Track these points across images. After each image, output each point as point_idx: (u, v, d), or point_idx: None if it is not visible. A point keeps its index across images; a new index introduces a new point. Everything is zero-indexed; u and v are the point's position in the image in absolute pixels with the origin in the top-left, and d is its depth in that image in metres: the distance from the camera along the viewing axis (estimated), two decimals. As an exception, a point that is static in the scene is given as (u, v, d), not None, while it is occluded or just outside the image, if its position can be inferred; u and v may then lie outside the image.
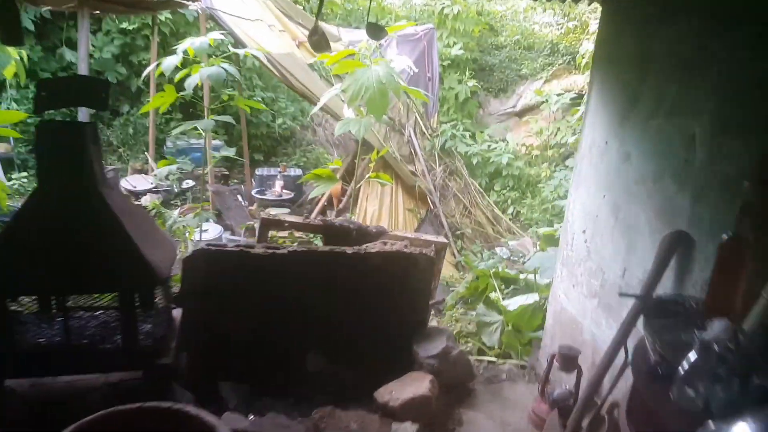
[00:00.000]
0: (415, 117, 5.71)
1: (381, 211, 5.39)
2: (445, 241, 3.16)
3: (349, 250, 2.80)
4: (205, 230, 4.96)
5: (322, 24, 6.22)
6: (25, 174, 7.02)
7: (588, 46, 7.02)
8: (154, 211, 3.75)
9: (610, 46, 2.37)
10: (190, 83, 3.11)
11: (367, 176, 3.86)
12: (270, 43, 4.68)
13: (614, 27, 2.36)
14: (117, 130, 8.47)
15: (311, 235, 4.87)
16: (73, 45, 8.43)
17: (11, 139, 7.14)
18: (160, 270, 2.24)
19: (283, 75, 4.75)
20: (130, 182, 7.03)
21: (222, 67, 3.06)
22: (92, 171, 2.18)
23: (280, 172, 7.27)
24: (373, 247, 2.86)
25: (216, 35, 3.18)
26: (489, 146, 8.00)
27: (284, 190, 6.96)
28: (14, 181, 6.77)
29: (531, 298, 3.25)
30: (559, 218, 7.24)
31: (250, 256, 2.72)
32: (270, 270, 2.73)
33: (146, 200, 6.77)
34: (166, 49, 8.26)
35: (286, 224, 2.98)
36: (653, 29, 2.05)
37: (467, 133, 8.12)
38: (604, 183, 2.35)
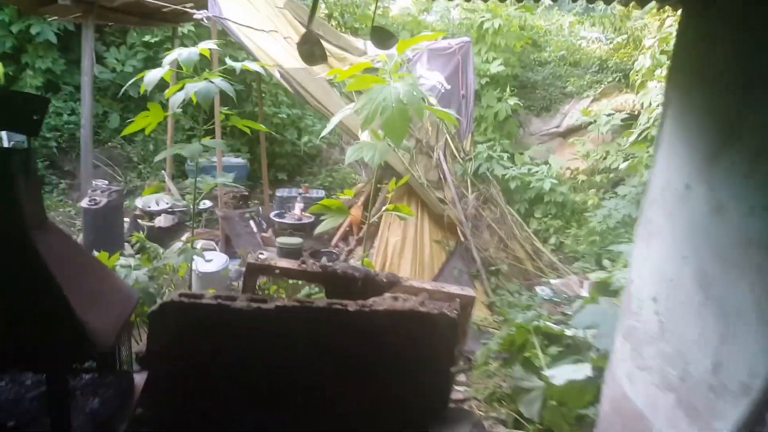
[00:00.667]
0: (446, 138, 5.20)
1: (404, 242, 4.88)
2: (473, 294, 2.62)
3: (351, 306, 2.29)
4: (209, 260, 4.54)
5: (343, 35, 5.81)
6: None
7: (644, 62, 6.37)
8: (137, 244, 3.33)
9: (696, 57, 1.81)
10: (174, 101, 2.69)
11: (384, 208, 3.36)
12: (284, 57, 4.27)
13: (703, 32, 1.79)
14: (138, 146, 8.26)
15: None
16: (98, 58, 8.32)
17: (27, 154, 6.95)
18: (102, 335, 1.78)
19: (297, 91, 4.33)
20: (145, 202, 6.74)
21: (213, 83, 2.63)
22: (20, 210, 1.74)
23: (300, 193, 6.86)
24: (382, 302, 2.35)
25: (210, 45, 2.76)
26: (529, 169, 7.39)
27: (304, 213, 6.53)
28: None
29: (581, 371, 2.66)
30: (608, 253, 6.56)
31: (229, 311, 2.25)
32: (254, 328, 2.25)
33: (161, 221, 6.46)
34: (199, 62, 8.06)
35: (277, 270, 2.50)
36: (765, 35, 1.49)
37: (505, 155, 7.53)
38: (684, 241, 1.78)
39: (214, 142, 2.86)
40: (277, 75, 4.23)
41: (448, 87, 5.23)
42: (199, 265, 4.39)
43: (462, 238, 5.06)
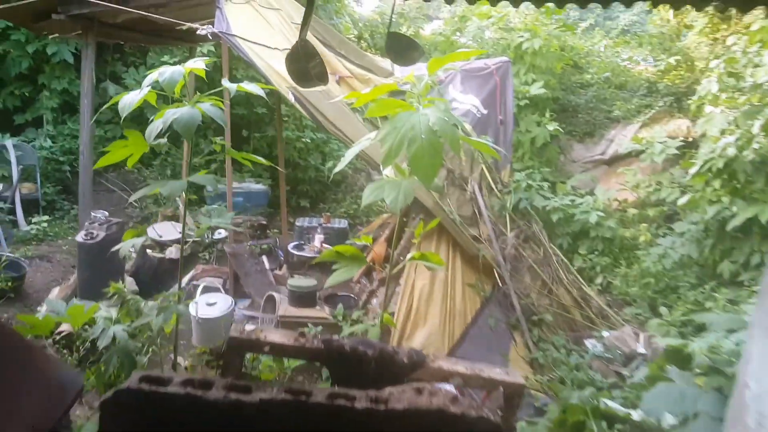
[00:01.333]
0: (482, 168, 4.67)
1: (433, 286, 4.33)
2: (521, 381, 2.05)
3: (360, 401, 1.74)
4: (212, 303, 4.08)
5: (368, 55, 5.36)
6: (47, 217, 6.53)
7: (709, 86, 5.74)
8: (115, 296, 2.88)
9: None
10: (151, 131, 2.25)
11: (409, 256, 2.84)
12: (300, 77, 3.82)
13: None
14: (155, 171, 7.97)
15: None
16: (116, 79, 8.12)
17: (38, 178, 6.72)
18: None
19: (313, 115, 3.88)
20: (157, 231, 6.37)
21: (200, 108, 2.18)
22: None
23: (321, 223, 6.39)
24: (401, 396, 1.79)
25: (199, 63, 2.31)
26: (573, 200, 6.75)
27: (325, 246, 6.05)
28: (33, 226, 6.27)
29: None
30: (663, 295, 5.87)
31: (201, 403, 1.74)
32: (233, 427, 1.74)
33: (171, 252, 6.07)
34: (210, 86, 7.79)
35: (267, 348, 1.98)
36: None
37: (545, 184, 6.93)
38: None
39: (204, 179, 2.38)
40: (291, 98, 3.79)
41: (485, 111, 4.72)
42: (200, 309, 3.93)
43: (499, 282, 4.48)
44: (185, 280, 4.95)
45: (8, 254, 5.20)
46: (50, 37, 5.18)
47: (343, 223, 6.59)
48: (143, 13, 3.73)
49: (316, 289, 4.04)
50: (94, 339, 2.71)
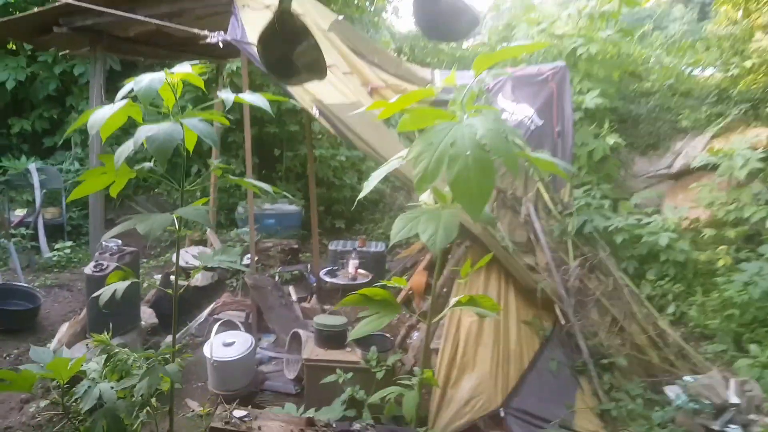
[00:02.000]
0: (537, 187, 4.10)
1: (483, 325, 3.78)
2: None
3: None
4: (230, 343, 3.65)
5: (405, 63, 4.89)
6: (71, 243, 6.31)
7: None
8: (98, 346, 2.47)
9: None
10: (120, 153, 1.84)
11: (453, 302, 2.33)
12: (325, 90, 3.41)
13: None
14: (186, 193, 7.71)
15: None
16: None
17: (63, 202, 6.54)
18: None
19: (341, 131, 3.43)
20: (184, 257, 6.06)
21: (183, 125, 1.75)
22: None
23: (356, 247, 5.93)
24: None
25: (185, 68, 1.90)
26: (639, 220, 6.06)
27: (360, 271, 5.59)
28: (56, 252, 6.06)
29: None
30: (750, 329, 5.09)
31: None
32: None
33: (197, 279, 5.74)
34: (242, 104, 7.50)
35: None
36: None
37: (605, 202, 6.26)
38: None
39: (196, 211, 1.95)
40: (315, 112, 3.36)
41: (540, 123, 4.17)
42: (215, 350, 3.51)
43: (561, 319, 3.89)
44: (205, 313, 4.57)
45: (23, 285, 4.97)
46: (60, 54, 4.97)
47: (380, 247, 6.12)
48: (154, 21, 3.41)
49: (346, 329, 3.56)
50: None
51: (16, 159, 6.56)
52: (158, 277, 5.80)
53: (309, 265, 5.77)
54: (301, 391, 3.71)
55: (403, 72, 4.28)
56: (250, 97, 1.98)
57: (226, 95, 1.96)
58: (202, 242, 6.47)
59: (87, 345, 3.81)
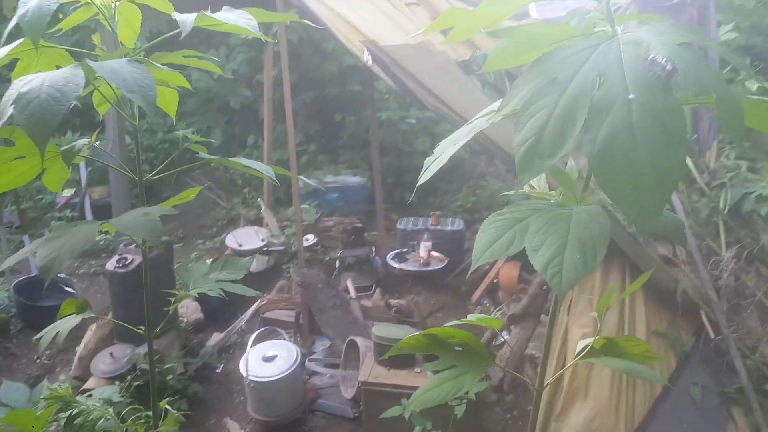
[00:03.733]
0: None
1: (598, 335, 2.86)
2: None
3: None
4: (271, 357, 2.98)
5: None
6: (120, 225, 5.91)
7: None
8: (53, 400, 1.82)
9: None
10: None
11: (579, 349, 1.48)
12: (380, 27, 2.56)
13: None
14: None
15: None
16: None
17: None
18: None
19: (402, 83, 2.56)
20: (237, 239, 5.52)
21: (90, 69, 0.98)
22: None
23: (428, 227, 5.12)
24: None
25: None
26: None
27: (434, 254, 4.81)
28: (102, 235, 5.68)
29: None
30: None
31: None
32: None
33: (253, 264, 5.16)
34: (298, 63, 6.79)
35: None
36: None
37: (743, 163, 5.00)
38: None
39: (132, 223, 1.19)
40: (367, 59, 2.52)
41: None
42: (252, 367, 2.85)
43: (709, 330, 2.91)
44: (249, 313, 3.95)
45: (59, 276, 4.58)
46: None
47: (457, 224, 5.26)
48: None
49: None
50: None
51: (62, 134, 6.23)
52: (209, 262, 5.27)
53: (373, 247, 5.03)
54: (360, 415, 3.00)
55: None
56: (224, 15, 1.18)
57: (183, 16, 1.17)
58: (258, 222, 5.89)
59: (111, 354, 3.29)
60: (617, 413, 2.79)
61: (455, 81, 2.79)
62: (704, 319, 2.92)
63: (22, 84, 0.93)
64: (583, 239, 1.01)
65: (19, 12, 1.00)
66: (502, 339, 3.74)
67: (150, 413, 1.88)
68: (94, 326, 3.61)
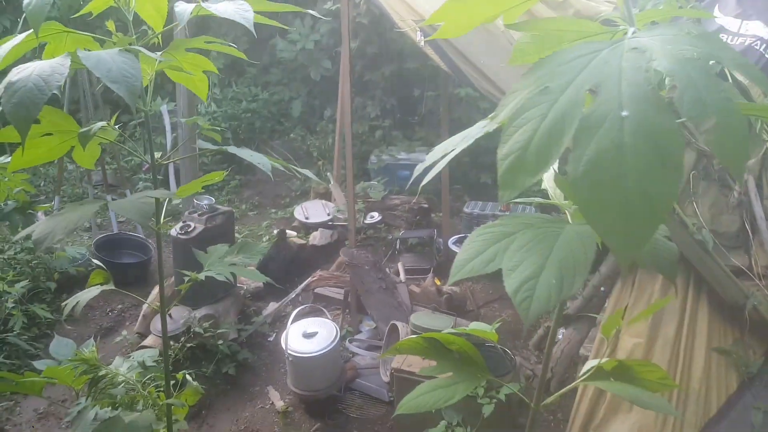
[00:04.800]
0: (765, 149, 2.77)
1: (652, 349, 2.72)
2: None
3: None
4: (311, 334, 3.06)
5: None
6: (202, 189, 6.24)
7: None
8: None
9: None
10: None
11: (585, 369, 1.38)
12: (435, 6, 2.47)
13: None
14: (318, 138, 7.30)
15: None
16: (282, 30, 7.55)
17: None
18: None
19: (456, 66, 2.46)
20: (305, 211, 5.67)
21: (77, 60, 1.00)
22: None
23: (496, 212, 5.00)
24: None
25: None
26: None
27: (500, 245, 4.65)
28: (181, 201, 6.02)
29: None
30: None
31: None
32: None
33: (315, 237, 5.31)
34: (379, 36, 6.72)
35: None
36: None
37: None
38: None
39: (129, 206, 1.23)
40: (420, 39, 2.44)
41: (776, 49, 2.77)
42: (292, 342, 2.94)
43: (780, 354, 2.65)
44: (299, 288, 4.05)
45: (137, 235, 4.91)
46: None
47: (529, 210, 5.08)
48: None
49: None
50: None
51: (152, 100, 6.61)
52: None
53: (435, 231, 4.97)
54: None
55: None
56: (219, 6, 1.17)
57: (182, 7, 1.17)
58: (327, 195, 6.00)
59: (170, 315, 3.51)
60: (663, 430, 2.62)
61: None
62: (777, 341, 2.66)
63: (16, 72, 0.98)
64: (564, 263, 0.93)
65: (25, 1, 1.05)
66: (559, 337, 3.60)
67: (176, 379, 2.00)
68: (158, 287, 3.86)
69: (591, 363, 1.39)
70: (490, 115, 1.15)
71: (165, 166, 6.06)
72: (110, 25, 1.34)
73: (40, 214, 4.53)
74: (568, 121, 0.85)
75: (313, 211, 5.67)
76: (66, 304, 1.59)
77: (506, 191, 0.90)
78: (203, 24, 6.86)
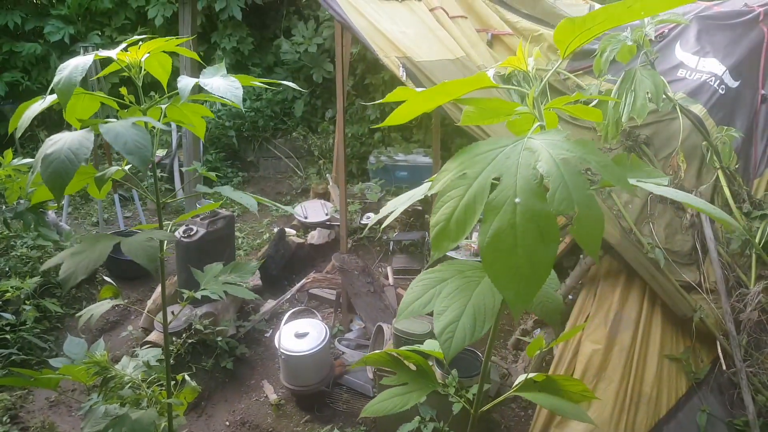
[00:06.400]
0: (716, 176, 3.03)
1: (609, 355, 2.99)
2: None
3: None
4: (303, 334, 3.35)
5: (549, 1, 3.86)
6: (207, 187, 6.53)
7: None
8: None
9: None
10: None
11: (518, 381, 1.66)
12: (419, 41, 2.71)
13: None
14: (320, 137, 7.56)
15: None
16: (287, 33, 7.78)
17: (200, 144, 6.74)
18: None
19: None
20: (304, 210, 5.94)
21: (97, 130, 1.28)
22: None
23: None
24: None
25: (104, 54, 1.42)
26: None
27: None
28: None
29: None
30: None
31: None
32: None
33: (314, 236, 5.59)
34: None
35: None
36: None
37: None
38: None
39: (136, 247, 1.51)
40: (402, 74, 2.70)
41: (734, 84, 3.01)
42: (285, 342, 3.24)
43: (722, 361, 2.93)
44: (294, 289, 4.34)
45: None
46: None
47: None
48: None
49: (432, 338, 3.02)
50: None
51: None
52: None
53: (426, 233, 5.25)
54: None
55: (541, 12, 3.34)
56: (213, 83, 1.45)
57: (186, 80, 1.45)
58: (326, 195, 6.27)
59: (173, 312, 3.81)
60: (617, 430, 2.91)
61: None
62: (719, 349, 2.93)
63: (50, 144, 1.25)
64: (477, 309, 1.21)
65: (55, 80, 1.33)
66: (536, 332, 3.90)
67: (176, 379, 2.29)
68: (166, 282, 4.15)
69: (522, 377, 1.66)
70: (431, 179, 1.43)
71: (170, 163, 6.35)
72: (123, 90, 1.61)
73: (50, 213, 4.83)
74: (479, 201, 1.13)
75: (311, 210, 5.95)
76: (80, 316, 1.87)
77: (437, 251, 1.17)
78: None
